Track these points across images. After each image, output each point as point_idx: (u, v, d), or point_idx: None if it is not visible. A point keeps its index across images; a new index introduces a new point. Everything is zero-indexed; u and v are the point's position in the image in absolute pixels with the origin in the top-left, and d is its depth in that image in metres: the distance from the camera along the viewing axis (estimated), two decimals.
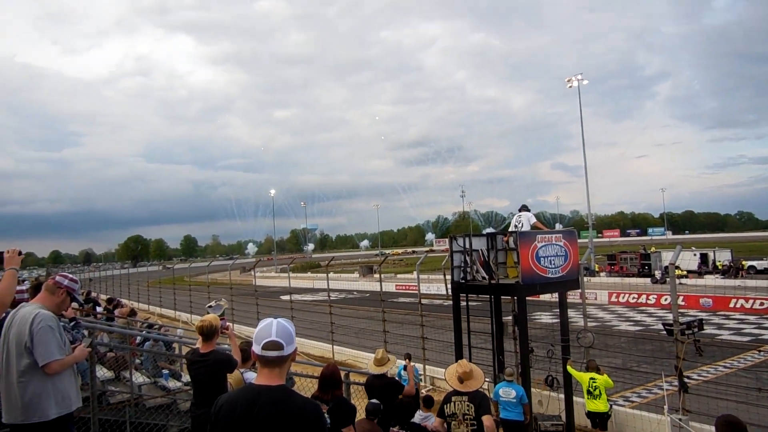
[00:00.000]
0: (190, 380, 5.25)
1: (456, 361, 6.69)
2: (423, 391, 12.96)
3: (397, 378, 9.08)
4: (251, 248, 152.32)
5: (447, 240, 12.34)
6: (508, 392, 9.43)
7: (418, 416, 7.26)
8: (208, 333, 4.87)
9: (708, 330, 20.75)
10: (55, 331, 3.75)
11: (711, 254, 45.24)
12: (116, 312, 12.89)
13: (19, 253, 3.92)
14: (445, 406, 6.03)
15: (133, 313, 13.72)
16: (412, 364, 10.32)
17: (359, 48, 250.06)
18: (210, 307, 8.63)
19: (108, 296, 22.77)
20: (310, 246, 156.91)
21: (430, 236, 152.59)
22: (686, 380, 9.67)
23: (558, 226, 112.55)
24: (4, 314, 3.85)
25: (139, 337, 10.26)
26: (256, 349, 2.41)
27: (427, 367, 15.88)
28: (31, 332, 3.63)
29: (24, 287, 5.35)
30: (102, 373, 7.53)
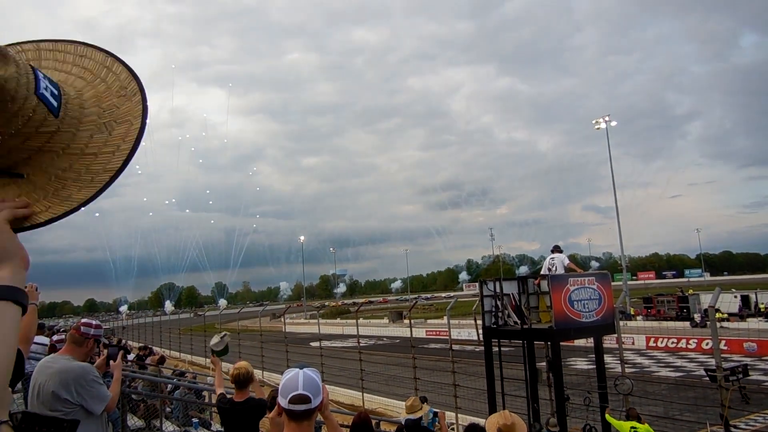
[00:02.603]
0: (221, 428, 5.21)
1: (493, 409, 6.57)
2: None
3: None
4: (284, 287, 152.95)
5: (477, 284, 12.24)
6: None
7: None
8: (243, 381, 4.80)
9: (754, 376, 19.83)
10: (101, 382, 3.90)
11: (752, 296, 43.60)
12: (147, 360, 13.01)
13: (36, 289, 4.01)
14: None
15: (162, 360, 13.82)
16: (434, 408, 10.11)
17: (387, 95, 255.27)
18: (215, 344, 8.45)
19: (141, 344, 23.01)
20: (341, 288, 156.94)
21: (463, 275, 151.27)
22: (733, 430, 9.24)
23: (594, 264, 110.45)
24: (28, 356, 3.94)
25: (170, 385, 10.30)
26: (283, 402, 2.38)
27: (459, 415, 15.49)
28: (78, 387, 3.70)
29: (63, 336, 5.47)
30: (133, 422, 7.55)
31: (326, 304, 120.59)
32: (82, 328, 4.06)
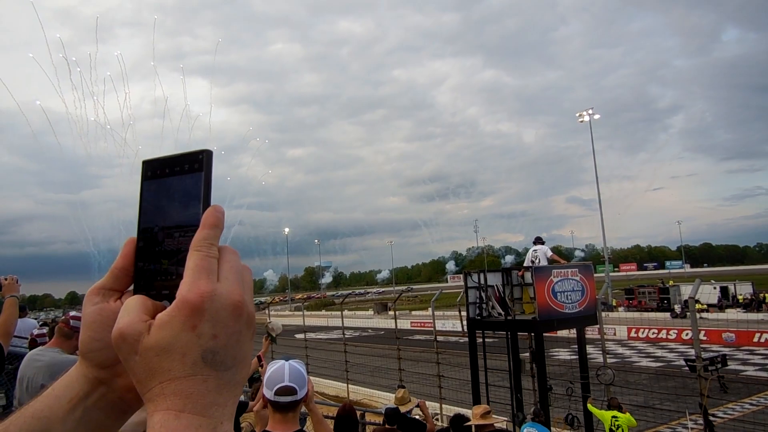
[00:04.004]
0: None
1: (477, 399, 6.73)
2: None
3: None
4: (270, 275, 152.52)
5: (462, 276, 12.29)
6: None
7: None
8: None
9: (732, 366, 20.20)
10: None
11: (731, 287, 44.33)
12: None
13: (17, 281, 3.93)
14: None
15: None
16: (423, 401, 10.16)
17: (372, 87, 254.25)
18: (274, 328, 8.26)
19: None
20: (327, 278, 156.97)
21: (451, 266, 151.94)
22: (712, 418, 9.41)
23: (579, 254, 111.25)
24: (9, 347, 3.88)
25: None
26: (268, 394, 2.37)
27: (444, 405, 15.58)
28: None
29: (44, 330, 5.38)
30: None
31: (311, 296, 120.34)
32: (71, 321, 4.02)
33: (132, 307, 0.55)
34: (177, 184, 0.59)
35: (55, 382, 0.65)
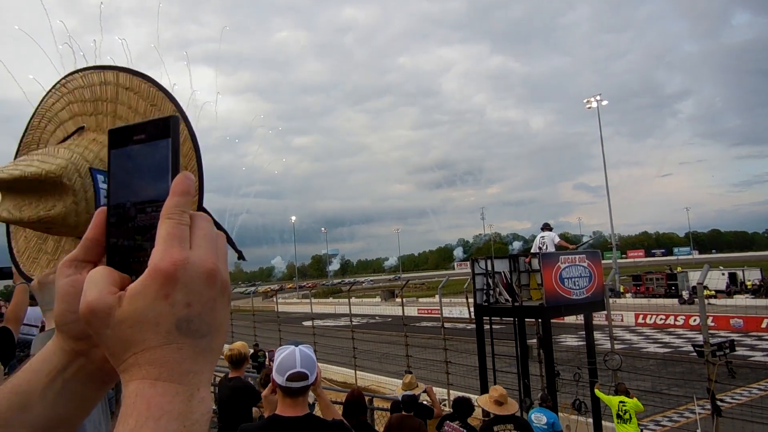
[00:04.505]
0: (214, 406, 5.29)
1: (484, 385, 6.68)
2: None
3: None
4: (278, 262, 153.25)
5: (469, 263, 12.30)
6: (539, 418, 9.16)
7: None
8: (236, 361, 5.00)
9: (740, 351, 20.15)
10: None
11: (740, 273, 44.12)
12: None
13: None
14: None
15: None
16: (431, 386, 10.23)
17: (378, 74, 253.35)
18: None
19: None
20: (335, 264, 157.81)
21: (458, 252, 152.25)
22: (719, 403, 9.41)
23: (586, 238, 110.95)
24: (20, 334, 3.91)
25: None
26: (279, 379, 2.38)
27: (451, 391, 15.67)
28: None
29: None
30: None
31: (321, 284, 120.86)
32: None
33: (98, 279, 0.54)
34: (144, 152, 0.57)
35: (26, 363, 0.64)
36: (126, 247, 0.57)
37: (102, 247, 0.59)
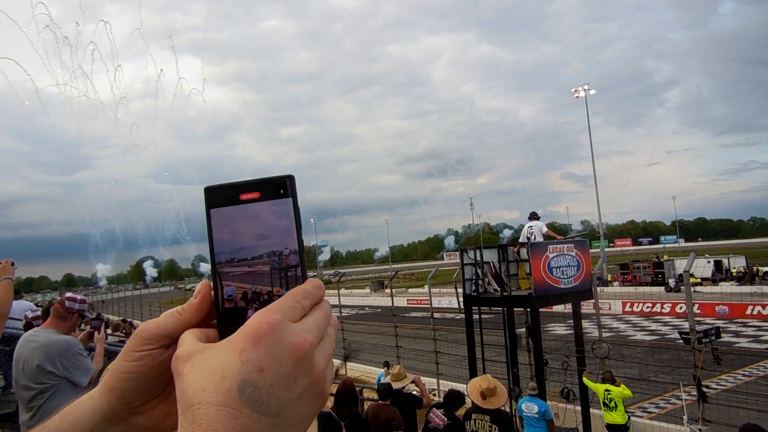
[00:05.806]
0: None
1: (473, 375, 6.65)
2: None
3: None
4: None
5: (458, 253, 12.32)
6: (530, 407, 9.23)
7: None
8: None
9: (725, 338, 20.42)
10: (85, 355, 3.98)
11: (725, 261, 44.58)
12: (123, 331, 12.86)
13: (12, 264, 3.92)
14: (465, 423, 5.97)
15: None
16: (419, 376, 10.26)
17: (366, 63, 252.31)
18: None
19: (120, 317, 22.85)
20: (325, 254, 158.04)
21: (450, 241, 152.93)
22: (705, 390, 9.54)
23: (575, 227, 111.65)
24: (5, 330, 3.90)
25: None
26: None
27: (440, 381, 15.75)
28: (63, 360, 3.75)
29: (39, 312, 5.38)
30: None
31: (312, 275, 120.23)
32: (66, 302, 4.03)
33: (188, 337, 0.51)
34: (259, 211, 0.54)
35: (56, 417, 0.57)
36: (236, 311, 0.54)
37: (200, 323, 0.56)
